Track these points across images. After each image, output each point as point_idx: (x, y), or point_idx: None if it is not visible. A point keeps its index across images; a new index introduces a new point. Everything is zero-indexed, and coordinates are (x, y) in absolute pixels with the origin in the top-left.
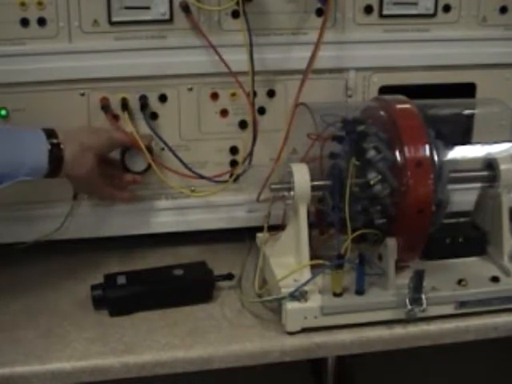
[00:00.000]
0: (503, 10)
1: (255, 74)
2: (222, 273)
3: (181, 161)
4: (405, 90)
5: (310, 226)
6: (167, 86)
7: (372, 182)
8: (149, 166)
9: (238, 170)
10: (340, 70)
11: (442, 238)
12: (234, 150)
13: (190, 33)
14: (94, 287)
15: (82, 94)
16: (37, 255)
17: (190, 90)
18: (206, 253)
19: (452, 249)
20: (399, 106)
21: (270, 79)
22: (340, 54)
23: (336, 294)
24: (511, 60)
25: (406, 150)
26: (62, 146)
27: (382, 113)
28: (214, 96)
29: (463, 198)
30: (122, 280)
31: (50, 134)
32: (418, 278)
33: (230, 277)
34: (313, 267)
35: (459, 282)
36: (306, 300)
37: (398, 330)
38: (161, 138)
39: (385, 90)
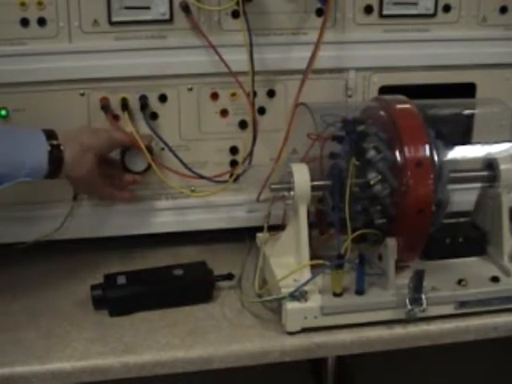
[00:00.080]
0: (503, 9)
1: (255, 73)
2: (221, 273)
3: (181, 161)
4: (405, 90)
5: (310, 226)
6: (167, 86)
7: (372, 182)
8: (149, 166)
9: (238, 170)
10: (340, 70)
11: (442, 238)
12: (234, 150)
13: (189, 33)
14: (93, 287)
15: (82, 94)
16: (37, 255)
17: (190, 90)
18: (205, 253)
19: (452, 249)
20: (399, 106)
21: (270, 79)
22: (340, 53)
23: (336, 294)
24: (511, 60)
25: (405, 149)
26: (61, 148)
27: (381, 113)
28: (214, 96)
29: (463, 198)
30: (121, 280)
31: (50, 135)
32: (418, 277)
33: (229, 277)
34: (313, 267)
35: (459, 282)
36: (305, 300)
37: (398, 330)
38: (161, 138)
39: (385, 90)
